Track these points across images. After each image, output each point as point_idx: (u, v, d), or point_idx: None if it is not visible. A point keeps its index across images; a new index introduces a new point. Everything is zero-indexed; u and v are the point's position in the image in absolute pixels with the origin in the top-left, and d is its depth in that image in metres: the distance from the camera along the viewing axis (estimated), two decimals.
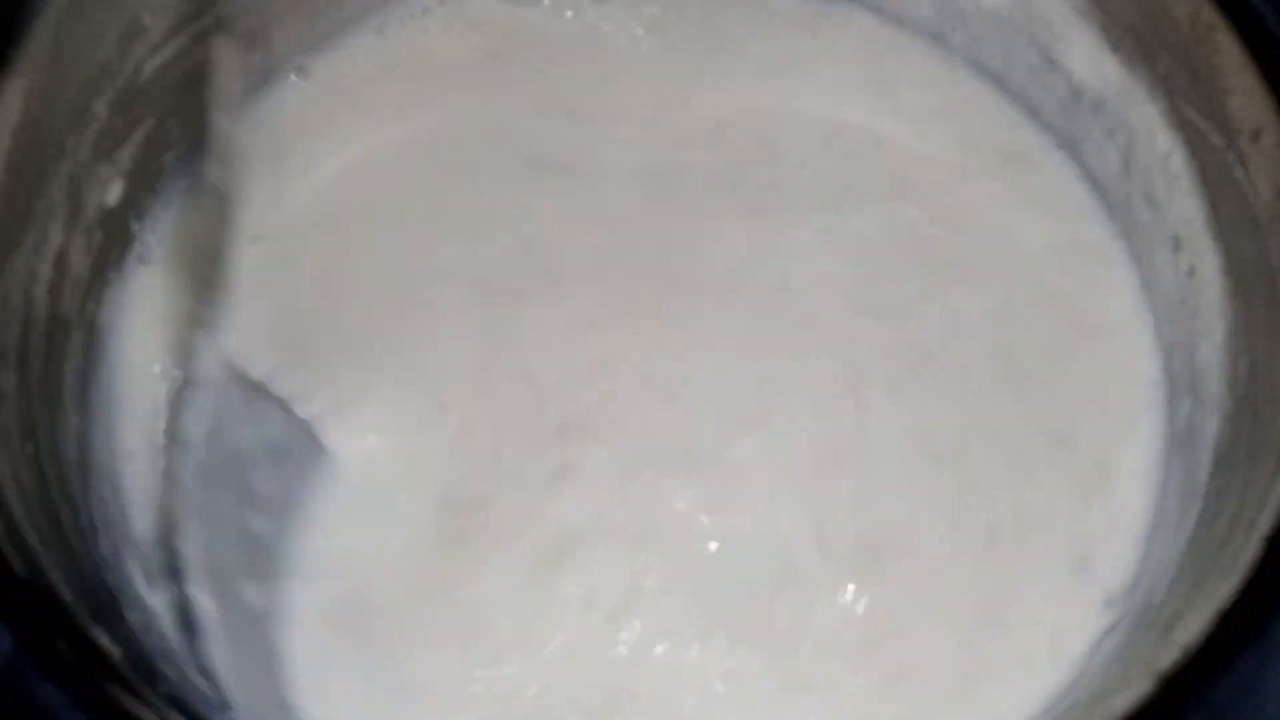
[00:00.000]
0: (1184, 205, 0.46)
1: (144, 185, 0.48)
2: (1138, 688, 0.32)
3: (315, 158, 0.51)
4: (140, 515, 0.44)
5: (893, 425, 0.46)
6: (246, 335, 0.45)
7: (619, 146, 0.51)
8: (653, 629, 0.43)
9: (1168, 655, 0.32)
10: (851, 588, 0.43)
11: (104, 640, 0.32)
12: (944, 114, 0.52)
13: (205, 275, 0.42)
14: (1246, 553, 0.34)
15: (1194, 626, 0.33)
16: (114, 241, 0.47)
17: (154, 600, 0.41)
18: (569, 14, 0.55)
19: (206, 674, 0.39)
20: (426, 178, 0.51)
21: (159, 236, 0.49)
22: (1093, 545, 0.45)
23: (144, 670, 0.33)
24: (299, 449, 0.45)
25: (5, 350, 0.39)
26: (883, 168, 0.51)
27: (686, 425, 0.46)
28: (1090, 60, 0.48)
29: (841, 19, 0.54)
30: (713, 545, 0.44)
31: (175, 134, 0.49)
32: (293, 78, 0.53)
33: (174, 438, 0.42)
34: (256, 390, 0.45)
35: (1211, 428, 0.43)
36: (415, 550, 0.44)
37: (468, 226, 0.50)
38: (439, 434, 0.46)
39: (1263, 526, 0.34)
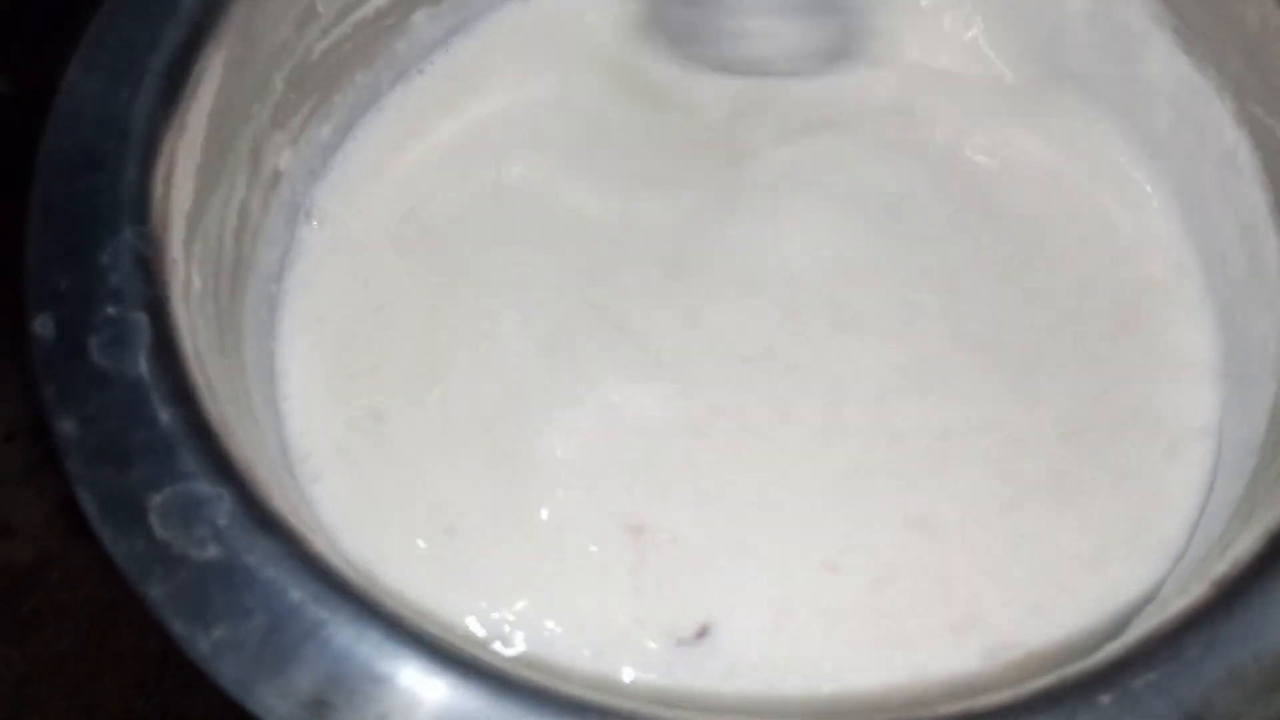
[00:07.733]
0: (1249, 194, 0.50)
1: (309, 151, 0.54)
2: (1195, 592, 0.36)
3: None
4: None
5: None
6: None
7: None
8: None
9: (1222, 566, 0.37)
10: None
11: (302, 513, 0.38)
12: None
13: None
14: None
15: (1246, 543, 0.37)
16: (282, 198, 0.53)
17: None
18: None
19: None
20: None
21: (318, 198, 0.55)
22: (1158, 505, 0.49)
23: None
24: None
25: (206, 281, 0.45)
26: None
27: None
28: (1165, 62, 0.53)
29: None
30: None
31: (337, 108, 0.55)
32: None
33: None
34: None
35: (1269, 392, 0.47)
36: None
37: None
38: None
39: None
